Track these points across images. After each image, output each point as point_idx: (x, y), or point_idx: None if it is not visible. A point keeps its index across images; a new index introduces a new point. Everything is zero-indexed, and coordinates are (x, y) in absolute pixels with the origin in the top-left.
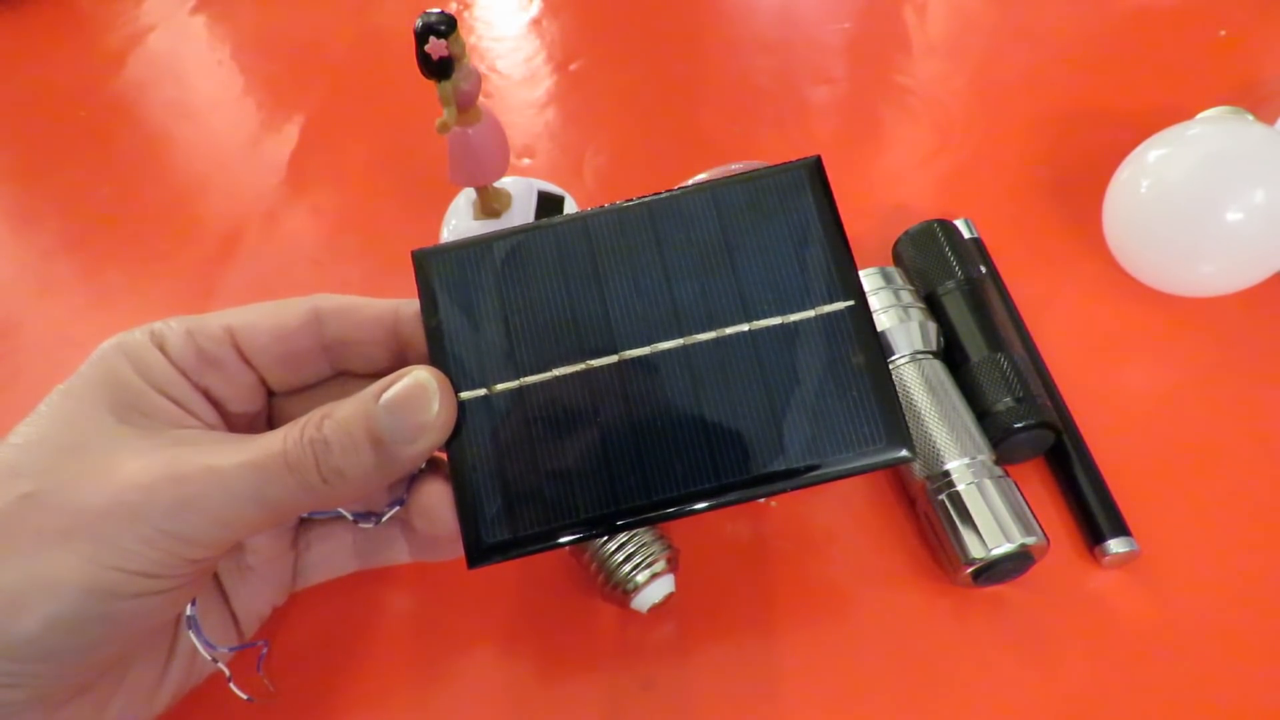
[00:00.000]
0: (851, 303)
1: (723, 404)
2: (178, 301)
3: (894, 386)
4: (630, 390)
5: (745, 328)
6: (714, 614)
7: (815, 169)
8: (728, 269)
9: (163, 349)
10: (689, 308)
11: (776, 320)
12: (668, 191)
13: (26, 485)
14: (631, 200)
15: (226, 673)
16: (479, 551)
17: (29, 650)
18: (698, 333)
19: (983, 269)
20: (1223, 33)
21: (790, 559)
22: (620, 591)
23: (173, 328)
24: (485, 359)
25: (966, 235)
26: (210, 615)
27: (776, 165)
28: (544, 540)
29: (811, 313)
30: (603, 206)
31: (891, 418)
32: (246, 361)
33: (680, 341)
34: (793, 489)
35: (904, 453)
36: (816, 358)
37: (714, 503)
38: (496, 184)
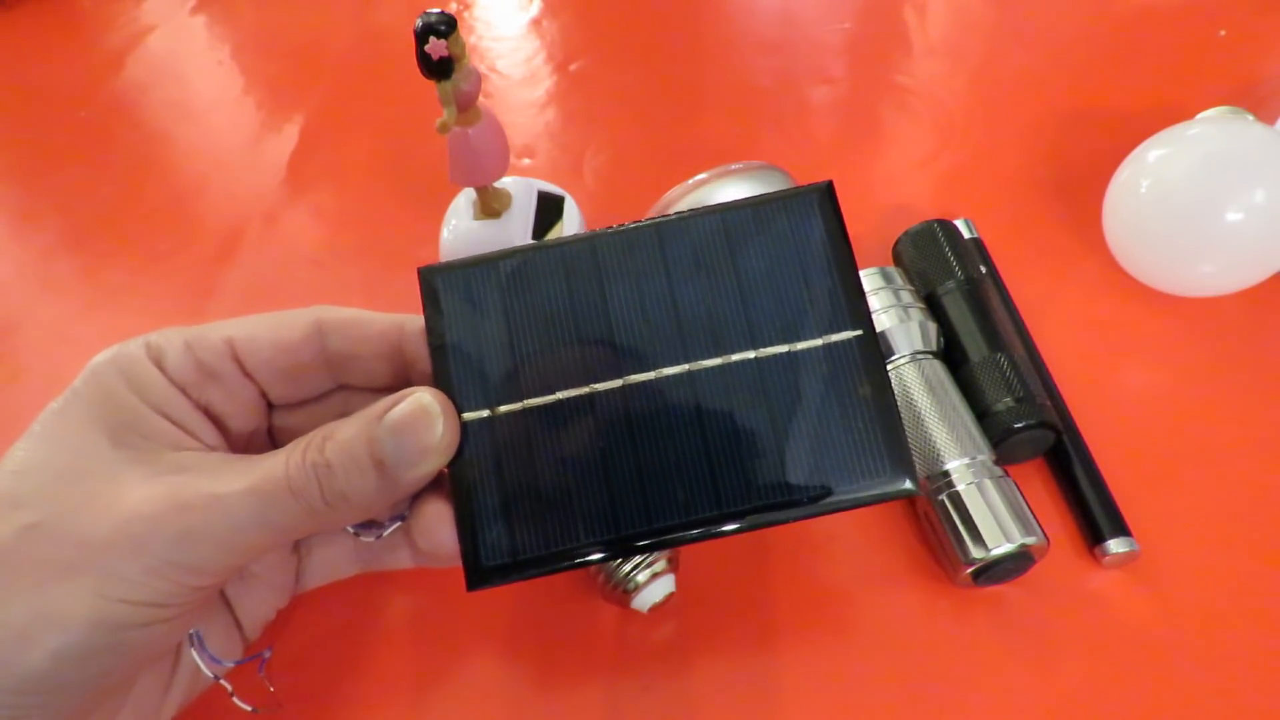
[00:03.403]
0: (859, 332)
1: (727, 431)
2: (178, 301)
3: (900, 418)
4: (633, 415)
5: (751, 355)
6: (714, 614)
7: (826, 194)
8: (735, 294)
9: (160, 364)
10: (695, 333)
11: (783, 348)
12: (676, 214)
13: (28, 516)
14: (640, 221)
15: (228, 688)
16: (478, 575)
17: (37, 683)
18: (703, 359)
19: (983, 269)
20: (1223, 33)
21: (790, 559)
22: (621, 591)
23: (171, 340)
24: (489, 380)
25: (966, 235)
26: (214, 623)
27: (787, 190)
28: (544, 565)
29: (819, 341)
30: (611, 227)
31: (896, 450)
32: (247, 375)
33: (685, 367)
34: (795, 520)
35: (908, 485)
36: (822, 387)
37: (714, 531)
38: (496, 184)
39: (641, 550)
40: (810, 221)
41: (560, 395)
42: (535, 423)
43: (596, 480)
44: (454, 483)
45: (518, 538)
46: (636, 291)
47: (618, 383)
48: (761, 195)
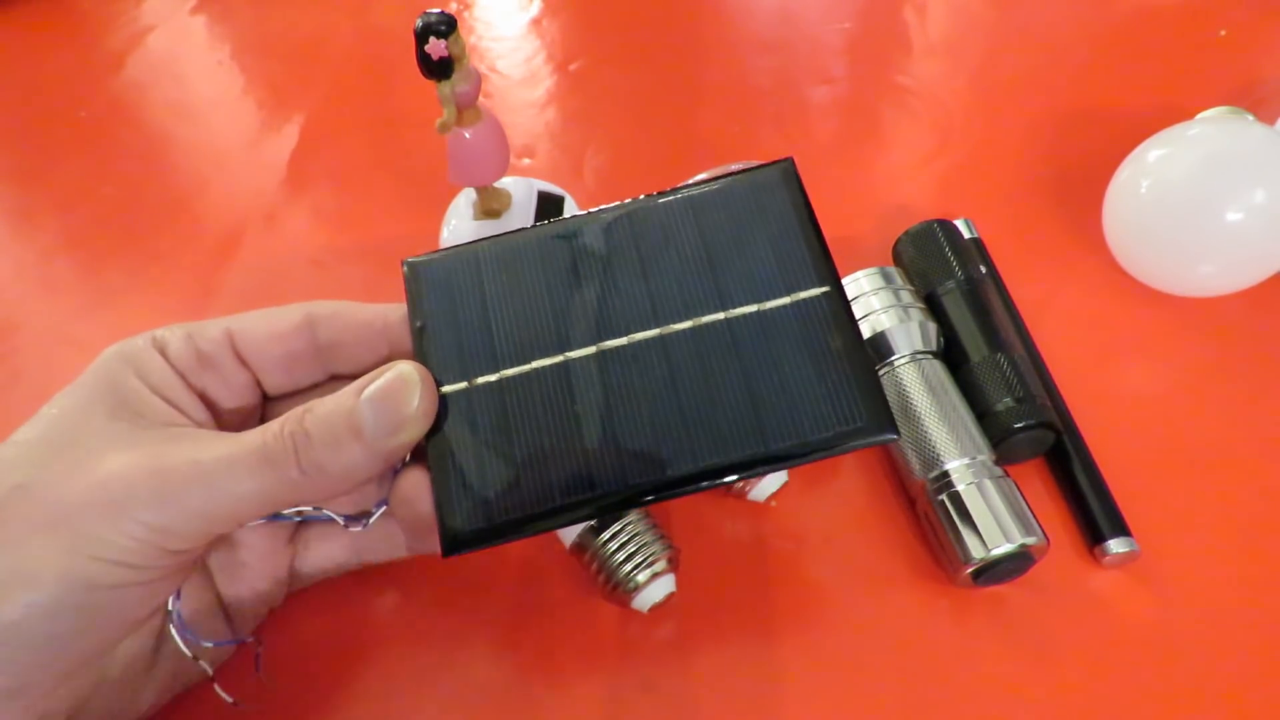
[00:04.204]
0: (826, 288)
1: (700, 390)
2: (178, 301)
3: (874, 368)
4: (608, 380)
5: (721, 316)
6: (714, 614)
7: (789, 169)
8: (704, 264)
9: (163, 352)
10: (666, 301)
11: (752, 308)
12: (645, 197)
13: (17, 477)
14: (611, 205)
15: (209, 671)
16: (453, 541)
17: (8, 637)
18: (674, 322)
19: (983, 269)
20: (1223, 33)
21: (790, 559)
22: (621, 591)
23: (174, 332)
24: (467, 354)
25: (966, 235)
26: (203, 616)
27: (751, 167)
28: (520, 528)
29: (787, 299)
30: (583, 213)
31: (872, 398)
32: (243, 363)
33: (657, 331)
34: (771, 470)
35: (888, 432)
36: (794, 343)
37: (692, 487)
38: (496, 184)
39: (618, 509)
40: (775, 194)
41: (536, 364)
42: (511, 392)
43: (572, 444)
44: (431, 453)
45: (494, 503)
46: (609, 268)
47: (592, 349)
48: (727, 173)
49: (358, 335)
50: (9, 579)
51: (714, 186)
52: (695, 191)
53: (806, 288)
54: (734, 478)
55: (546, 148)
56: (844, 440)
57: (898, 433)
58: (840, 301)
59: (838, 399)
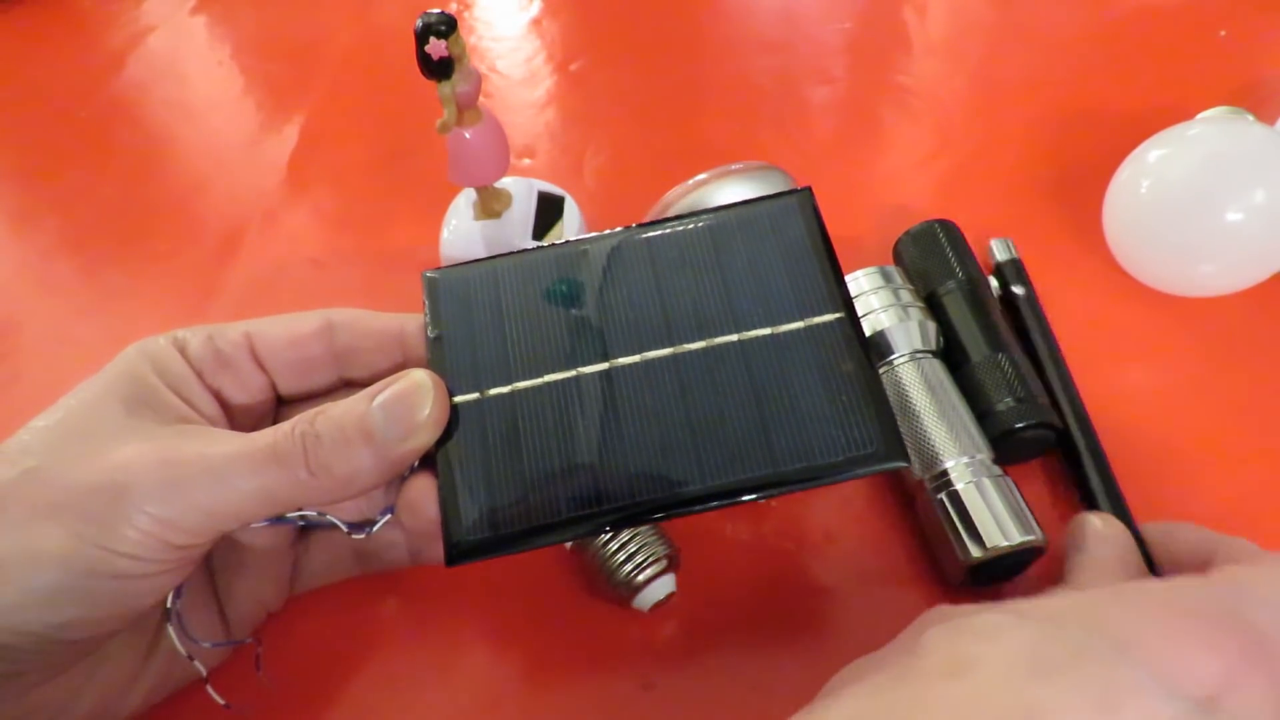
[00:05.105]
0: (841, 314)
1: (710, 409)
2: (178, 301)
3: (885, 394)
4: (619, 395)
5: (734, 337)
6: (714, 613)
7: (806, 197)
8: (720, 287)
9: (183, 352)
10: (680, 321)
11: (766, 331)
12: (664, 219)
13: (30, 462)
14: (630, 226)
15: (203, 672)
16: (457, 550)
17: (5, 619)
18: (688, 342)
19: (1021, 290)
20: (1223, 33)
21: (790, 559)
22: (621, 591)
23: (196, 333)
24: (481, 366)
25: (1005, 256)
26: (198, 612)
27: (769, 195)
28: (524, 540)
29: (800, 324)
30: (601, 233)
31: (884, 424)
32: (260, 365)
33: (670, 350)
34: (781, 493)
35: (900, 462)
36: (806, 366)
37: (698, 506)
38: (496, 184)
39: (623, 525)
40: (791, 222)
41: (548, 378)
42: (522, 404)
43: (580, 458)
44: (440, 461)
45: (500, 514)
46: (625, 286)
47: (604, 365)
48: (744, 200)
49: (375, 342)
50: (12, 560)
51: (731, 212)
52: (713, 217)
53: (821, 313)
54: (743, 499)
55: (546, 148)
56: (854, 466)
57: (909, 460)
58: (853, 327)
59: (849, 424)
